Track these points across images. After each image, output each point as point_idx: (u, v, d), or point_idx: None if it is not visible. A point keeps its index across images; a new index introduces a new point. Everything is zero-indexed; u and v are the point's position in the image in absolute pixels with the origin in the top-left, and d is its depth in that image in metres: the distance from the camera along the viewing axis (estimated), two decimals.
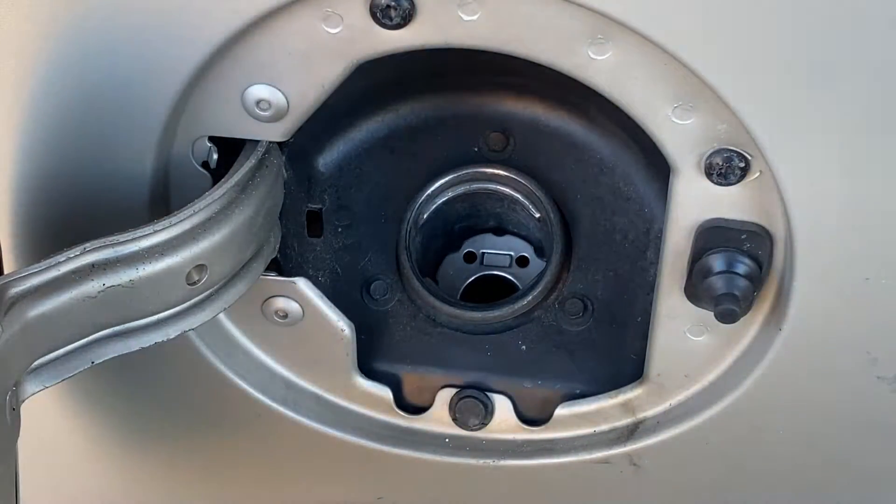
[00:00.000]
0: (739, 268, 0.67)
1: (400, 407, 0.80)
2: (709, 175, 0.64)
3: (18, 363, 0.61)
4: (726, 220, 0.67)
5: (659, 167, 0.69)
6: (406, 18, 0.61)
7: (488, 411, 0.80)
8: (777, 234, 0.67)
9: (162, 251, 0.63)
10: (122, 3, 0.62)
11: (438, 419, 0.81)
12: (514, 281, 0.84)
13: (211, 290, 0.68)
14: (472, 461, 0.81)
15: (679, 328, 0.73)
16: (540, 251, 0.83)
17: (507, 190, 0.77)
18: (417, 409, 0.81)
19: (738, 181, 0.64)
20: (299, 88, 0.65)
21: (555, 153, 0.75)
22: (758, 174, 0.64)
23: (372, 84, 0.73)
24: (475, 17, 0.61)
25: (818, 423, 0.74)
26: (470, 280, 0.84)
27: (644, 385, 0.77)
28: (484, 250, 0.85)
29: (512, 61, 0.64)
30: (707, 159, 0.64)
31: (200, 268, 0.65)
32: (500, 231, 0.84)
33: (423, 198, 0.77)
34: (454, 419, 0.80)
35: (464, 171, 0.76)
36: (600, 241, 0.76)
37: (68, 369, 0.64)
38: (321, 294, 0.76)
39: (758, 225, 0.67)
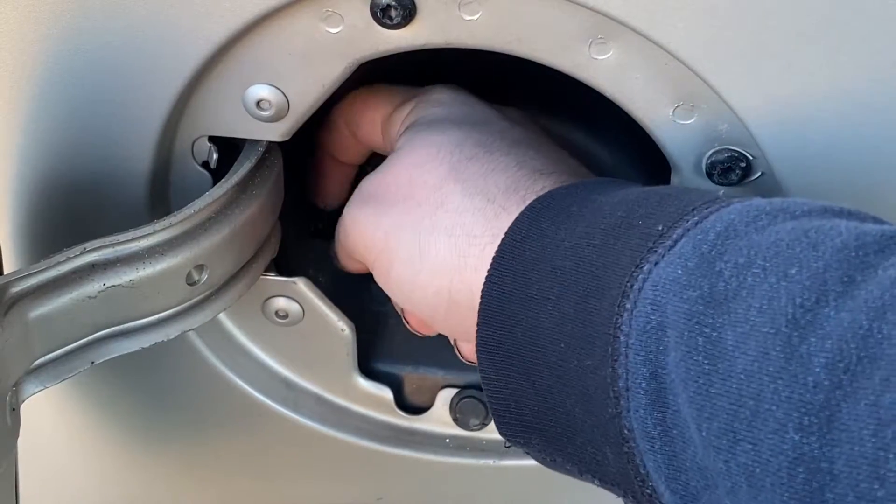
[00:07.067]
0: None
1: (400, 407, 0.80)
2: (710, 175, 0.64)
3: (18, 363, 0.61)
4: None
5: (660, 167, 0.69)
6: (407, 18, 0.61)
7: (489, 411, 0.80)
8: None
9: (162, 251, 0.63)
10: (121, 3, 0.62)
11: (439, 419, 0.81)
12: None
13: (211, 290, 0.67)
14: (473, 461, 0.81)
15: None
16: None
17: None
18: (418, 410, 0.81)
19: (740, 182, 0.64)
20: (300, 88, 0.65)
21: None
22: (759, 175, 0.64)
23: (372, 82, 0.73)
24: (476, 17, 0.61)
25: None
26: None
27: None
28: None
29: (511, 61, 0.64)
30: (708, 159, 0.64)
31: (200, 268, 0.65)
32: None
33: None
34: (455, 419, 0.80)
35: None
36: None
37: (68, 369, 0.64)
38: (321, 294, 0.76)
39: None
